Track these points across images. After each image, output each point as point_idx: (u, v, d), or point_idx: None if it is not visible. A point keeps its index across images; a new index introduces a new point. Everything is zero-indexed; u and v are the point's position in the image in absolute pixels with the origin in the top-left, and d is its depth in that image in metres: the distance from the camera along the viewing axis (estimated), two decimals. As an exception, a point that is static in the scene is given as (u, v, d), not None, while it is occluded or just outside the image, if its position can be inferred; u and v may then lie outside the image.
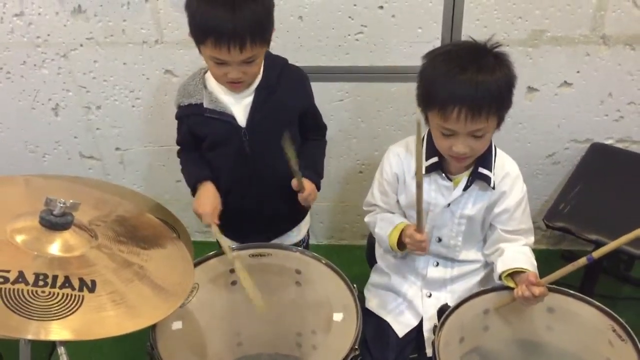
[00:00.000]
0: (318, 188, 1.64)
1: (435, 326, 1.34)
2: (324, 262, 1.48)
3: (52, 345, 1.56)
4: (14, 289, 0.96)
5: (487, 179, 1.43)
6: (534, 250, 1.49)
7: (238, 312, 1.55)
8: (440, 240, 1.52)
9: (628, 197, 1.84)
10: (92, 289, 1.01)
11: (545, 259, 2.24)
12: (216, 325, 1.52)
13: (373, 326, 1.55)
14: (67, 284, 1.01)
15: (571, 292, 1.40)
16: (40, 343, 0.97)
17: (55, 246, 1.10)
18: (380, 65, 1.96)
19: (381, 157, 1.58)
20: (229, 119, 1.53)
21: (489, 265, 1.57)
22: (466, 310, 1.39)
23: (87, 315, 0.97)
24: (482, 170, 1.43)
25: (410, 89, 1.48)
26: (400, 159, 1.51)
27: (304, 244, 1.79)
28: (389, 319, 1.55)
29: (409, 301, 1.56)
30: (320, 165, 1.69)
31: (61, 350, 0.98)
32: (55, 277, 1.01)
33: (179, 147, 1.70)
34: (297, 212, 1.72)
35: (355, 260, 1.78)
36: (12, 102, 2.15)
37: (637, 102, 1.98)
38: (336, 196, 2.31)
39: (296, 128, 1.63)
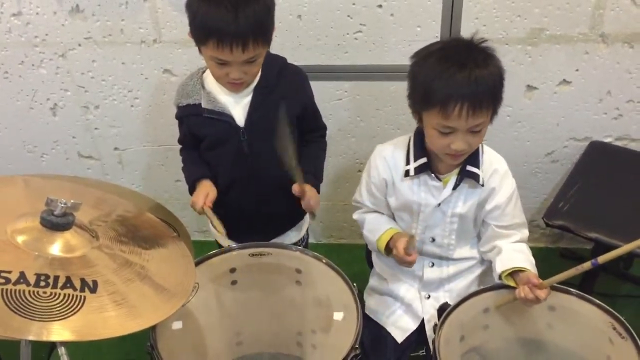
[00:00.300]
0: (318, 191, 1.64)
1: (435, 325, 1.34)
2: (324, 261, 1.48)
3: (51, 346, 1.56)
4: (15, 290, 0.95)
5: (475, 177, 1.44)
6: (533, 249, 1.49)
7: (238, 311, 1.55)
8: (433, 240, 1.53)
9: (627, 194, 1.84)
10: (93, 290, 1.01)
11: (544, 257, 2.25)
12: (216, 324, 1.52)
13: (371, 332, 1.55)
14: (68, 285, 1.00)
15: (571, 290, 1.40)
16: (39, 343, 0.97)
17: (57, 246, 1.09)
18: (379, 64, 1.96)
19: (380, 156, 1.58)
20: (228, 119, 1.53)
21: (484, 261, 1.57)
22: (466, 309, 1.39)
23: (88, 316, 0.97)
24: (470, 168, 1.44)
25: (409, 87, 1.48)
26: (387, 164, 1.50)
27: (303, 243, 1.79)
28: (387, 325, 1.56)
29: (407, 305, 1.56)
30: (320, 170, 1.68)
31: (62, 350, 0.98)
32: (56, 278, 1.01)
33: (180, 146, 1.69)
34: (296, 212, 1.72)
35: (354, 259, 1.77)
36: (10, 102, 2.15)
37: (635, 100, 1.98)
38: (335, 195, 2.31)
39: (295, 128, 1.63)
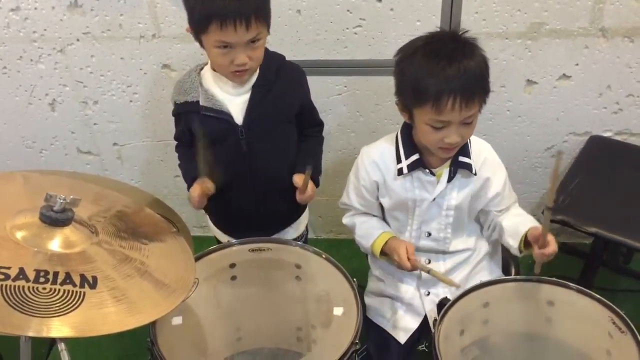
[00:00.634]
0: (317, 184, 1.64)
1: (435, 320, 1.34)
2: (323, 256, 1.48)
3: (51, 342, 1.56)
4: (14, 286, 0.95)
5: (468, 167, 1.45)
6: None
7: (238, 307, 1.55)
8: (429, 234, 1.53)
9: (627, 189, 1.84)
10: (93, 285, 1.00)
11: (544, 252, 2.24)
12: (216, 320, 1.52)
13: (374, 336, 1.56)
14: (68, 281, 1.00)
15: (570, 284, 1.40)
16: (39, 339, 0.97)
17: (56, 242, 1.09)
18: (379, 59, 1.95)
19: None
20: (226, 117, 1.52)
21: (479, 251, 1.58)
22: (466, 304, 1.39)
23: (88, 312, 0.97)
24: (462, 159, 1.44)
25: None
26: (377, 165, 1.50)
27: (302, 240, 1.78)
28: (388, 327, 1.56)
29: (407, 304, 1.56)
30: (319, 162, 1.68)
31: (62, 346, 0.98)
32: (56, 274, 1.00)
33: (176, 143, 1.69)
34: (295, 209, 1.72)
35: (354, 254, 1.77)
36: (9, 97, 2.14)
37: (635, 94, 1.98)
38: (335, 190, 2.30)
39: (293, 125, 1.63)
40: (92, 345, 1.99)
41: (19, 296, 0.94)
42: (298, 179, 1.55)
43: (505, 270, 1.64)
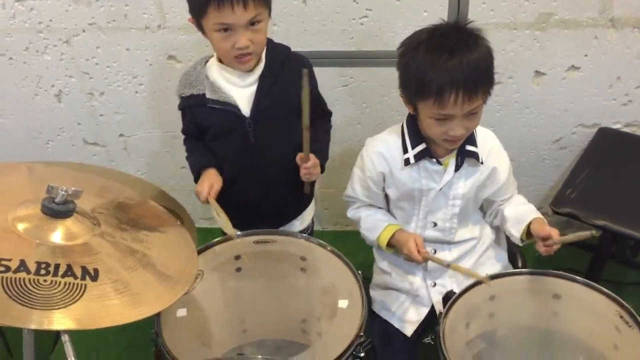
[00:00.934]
0: (322, 170, 1.63)
1: (440, 313, 1.34)
2: (329, 248, 1.48)
3: (56, 333, 1.56)
4: (15, 278, 0.95)
5: (475, 156, 1.45)
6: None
7: (243, 299, 1.55)
8: (435, 225, 1.52)
9: (635, 181, 1.83)
10: (94, 278, 1.00)
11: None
12: (221, 312, 1.52)
13: (379, 329, 1.56)
14: (69, 273, 1.00)
15: (577, 278, 1.40)
16: (44, 331, 0.96)
17: (58, 234, 1.09)
18: (386, 50, 1.93)
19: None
20: (233, 109, 1.51)
21: (484, 240, 1.58)
22: (472, 297, 1.39)
23: (90, 304, 0.97)
24: (469, 147, 1.44)
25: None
26: (383, 156, 1.49)
27: (308, 232, 1.78)
28: (394, 321, 1.55)
29: (414, 295, 1.56)
30: (325, 147, 1.67)
31: (65, 338, 0.98)
32: (57, 266, 1.00)
33: (184, 136, 1.68)
34: (301, 201, 1.72)
35: (360, 247, 1.76)
36: (15, 89, 2.15)
37: (645, 85, 1.96)
38: (341, 182, 2.28)
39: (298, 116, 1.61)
40: (98, 335, 1.99)
41: (20, 288, 0.93)
42: (300, 156, 1.53)
43: (512, 262, 1.63)
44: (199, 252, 1.48)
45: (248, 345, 1.61)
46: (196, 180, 1.60)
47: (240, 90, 1.52)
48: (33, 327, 0.89)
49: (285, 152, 1.58)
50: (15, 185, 1.18)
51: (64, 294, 0.96)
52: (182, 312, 1.35)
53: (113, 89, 2.12)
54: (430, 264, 1.53)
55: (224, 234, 1.72)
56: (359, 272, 1.42)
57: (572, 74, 1.95)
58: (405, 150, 1.46)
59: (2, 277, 0.93)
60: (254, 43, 1.43)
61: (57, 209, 1.09)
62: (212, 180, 1.55)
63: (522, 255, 1.64)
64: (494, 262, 1.58)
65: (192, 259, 1.22)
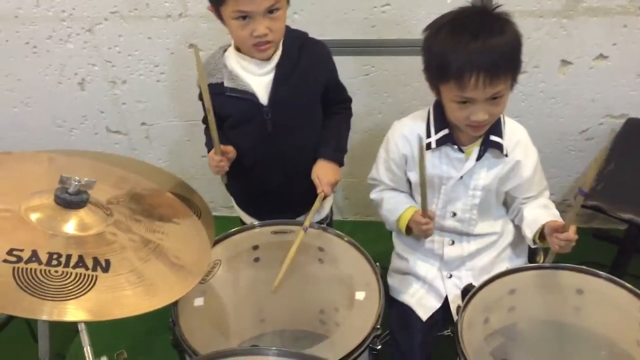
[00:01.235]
0: (341, 163, 1.61)
1: (459, 307, 1.32)
2: (346, 239, 1.47)
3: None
4: (27, 269, 0.95)
5: (499, 147, 1.42)
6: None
7: (261, 288, 1.54)
8: (454, 214, 1.50)
9: (664, 175, 1.78)
10: (105, 269, 1.00)
11: (576, 238, 2.19)
12: (239, 301, 1.52)
13: (397, 312, 1.54)
14: (80, 264, 1.00)
15: (601, 273, 1.36)
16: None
17: (71, 225, 1.09)
18: (408, 38, 1.91)
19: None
20: (251, 97, 1.51)
21: (507, 236, 1.55)
22: (491, 291, 1.36)
23: (102, 295, 0.97)
24: (493, 138, 1.41)
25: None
26: (407, 140, 1.48)
27: (327, 221, 1.77)
28: (411, 303, 1.54)
29: (429, 284, 1.54)
30: (344, 140, 1.66)
31: (81, 326, 0.98)
32: (68, 257, 1.00)
33: (204, 126, 1.68)
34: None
35: (381, 237, 1.75)
36: (39, 77, 2.17)
37: (676, 75, 1.90)
38: (361, 172, 2.27)
39: (319, 104, 1.60)
40: (115, 323, 2.00)
41: (31, 279, 0.94)
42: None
43: (532, 260, 1.60)
44: (218, 242, 1.49)
45: (266, 334, 1.61)
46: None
47: (257, 79, 1.51)
48: (44, 318, 0.89)
49: (304, 140, 1.57)
50: (33, 175, 1.19)
51: (75, 285, 0.96)
52: (199, 302, 1.36)
53: (135, 78, 2.13)
54: (446, 254, 1.52)
55: (243, 223, 1.73)
56: (377, 263, 1.41)
57: (600, 63, 1.91)
58: (428, 135, 1.45)
59: (14, 267, 0.94)
60: (272, 31, 1.42)
61: (70, 200, 1.10)
62: (226, 149, 1.54)
63: (545, 253, 1.61)
64: (513, 259, 1.56)
65: (205, 250, 1.22)
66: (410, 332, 1.51)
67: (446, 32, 1.30)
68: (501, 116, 1.43)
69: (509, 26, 1.30)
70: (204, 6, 1.90)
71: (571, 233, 1.30)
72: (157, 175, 1.51)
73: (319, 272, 1.53)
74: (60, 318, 0.90)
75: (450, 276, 1.53)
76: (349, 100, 1.71)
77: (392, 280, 1.62)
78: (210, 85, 1.53)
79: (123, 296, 0.99)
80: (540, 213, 1.44)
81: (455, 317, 1.47)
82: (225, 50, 1.55)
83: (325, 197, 1.56)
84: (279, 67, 1.50)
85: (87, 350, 1.05)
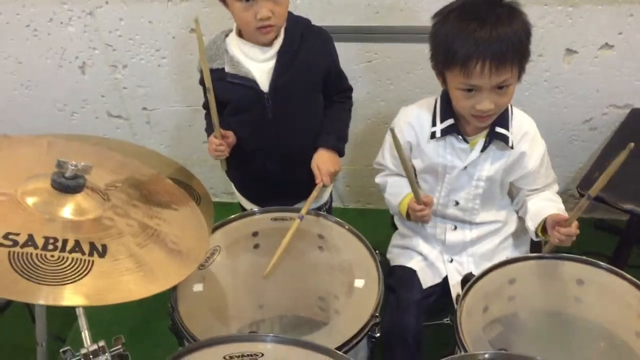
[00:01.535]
0: (342, 153, 1.61)
1: (458, 295, 1.32)
2: (346, 227, 1.47)
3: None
4: (22, 253, 0.94)
5: (505, 139, 1.41)
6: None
7: (260, 275, 1.54)
8: (457, 203, 1.50)
9: (667, 166, 1.76)
10: (102, 254, 1.00)
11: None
12: (238, 287, 1.52)
13: (398, 274, 1.54)
14: (76, 249, 0.99)
15: (601, 264, 1.36)
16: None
17: (68, 209, 1.08)
18: (411, 25, 1.89)
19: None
20: (252, 84, 1.50)
21: (509, 224, 1.55)
22: (491, 280, 1.37)
23: (99, 280, 0.96)
24: (499, 129, 1.41)
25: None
26: (412, 125, 1.48)
27: (326, 208, 1.77)
28: (413, 266, 1.54)
29: (430, 262, 1.55)
30: (344, 130, 1.65)
31: (79, 311, 0.98)
32: (65, 241, 1.00)
33: (205, 111, 1.68)
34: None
35: (381, 225, 1.75)
36: (40, 60, 2.15)
37: (682, 66, 1.89)
38: (363, 159, 2.28)
39: (320, 92, 1.59)
40: (114, 308, 2.01)
41: (27, 263, 0.93)
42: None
43: (534, 250, 1.60)
44: (217, 228, 1.49)
45: (265, 320, 1.61)
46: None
47: (258, 65, 1.50)
48: (41, 302, 0.89)
49: (304, 127, 1.56)
50: (31, 159, 1.18)
51: (71, 270, 0.96)
52: (198, 287, 1.36)
53: (136, 62, 2.12)
54: (448, 238, 1.53)
55: (243, 209, 1.72)
56: (377, 251, 1.41)
57: (605, 52, 1.89)
58: (434, 124, 1.45)
59: (10, 252, 0.93)
60: (275, 15, 1.41)
61: (67, 184, 1.09)
62: (226, 134, 1.54)
63: (545, 243, 1.61)
64: (514, 249, 1.56)
65: (203, 237, 1.22)
66: (410, 288, 1.50)
67: (454, 19, 1.29)
68: (509, 107, 1.43)
69: (517, 15, 1.29)
70: (205, -10, 1.90)
71: (573, 228, 1.30)
72: (157, 161, 1.50)
73: (319, 259, 1.53)
74: (57, 303, 0.90)
75: (452, 260, 1.53)
76: (350, 89, 1.70)
77: (392, 256, 1.62)
78: (212, 71, 1.52)
79: (120, 281, 0.98)
80: (544, 206, 1.43)
81: (455, 306, 1.47)
82: (226, 35, 1.54)
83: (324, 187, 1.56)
84: (280, 54, 1.49)
85: (85, 335, 1.05)
